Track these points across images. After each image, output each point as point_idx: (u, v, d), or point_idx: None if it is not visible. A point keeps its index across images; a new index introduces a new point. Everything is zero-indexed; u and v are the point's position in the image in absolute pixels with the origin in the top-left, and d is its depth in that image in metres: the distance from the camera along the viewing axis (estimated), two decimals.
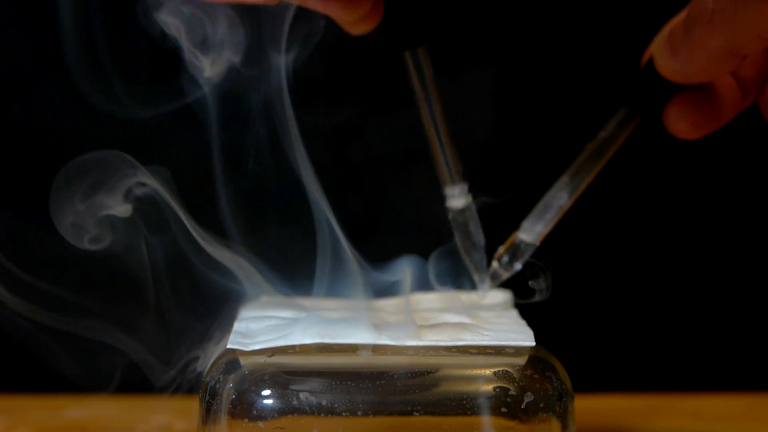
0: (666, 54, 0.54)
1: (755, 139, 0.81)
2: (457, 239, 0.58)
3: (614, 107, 0.59)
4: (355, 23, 0.53)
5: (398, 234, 0.67)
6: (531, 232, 0.59)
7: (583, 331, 0.83)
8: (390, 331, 0.52)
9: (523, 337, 0.52)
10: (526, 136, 0.81)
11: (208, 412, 0.49)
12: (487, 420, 0.48)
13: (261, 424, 0.48)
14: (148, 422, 0.72)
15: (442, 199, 0.83)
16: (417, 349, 0.51)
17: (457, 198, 0.57)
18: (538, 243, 0.59)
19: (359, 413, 0.48)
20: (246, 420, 0.49)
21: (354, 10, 0.52)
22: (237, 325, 0.54)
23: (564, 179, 0.59)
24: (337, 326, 0.52)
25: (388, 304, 0.59)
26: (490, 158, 0.80)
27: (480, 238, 0.58)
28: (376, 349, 0.51)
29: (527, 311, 0.58)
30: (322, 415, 0.48)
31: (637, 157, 0.83)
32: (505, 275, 0.58)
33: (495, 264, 0.58)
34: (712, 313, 0.83)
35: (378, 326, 0.52)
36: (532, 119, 0.81)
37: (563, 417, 0.49)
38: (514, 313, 0.58)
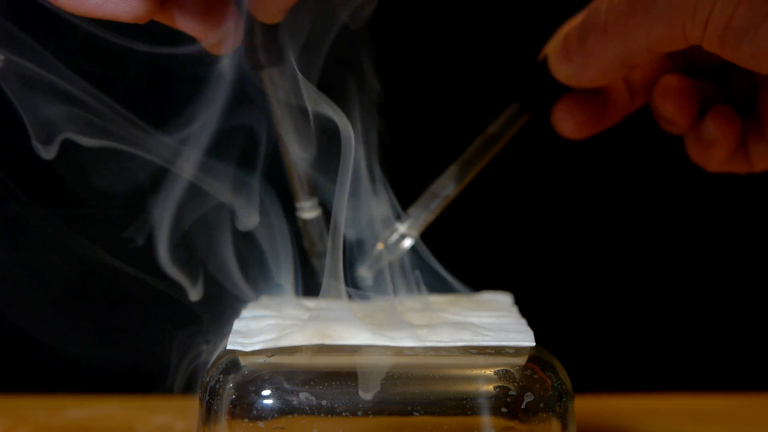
0: (560, 59, 0.56)
1: None
2: (306, 245, 0.59)
3: (506, 103, 0.60)
4: (216, 45, 0.54)
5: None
6: (416, 220, 0.60)
7: (583, 331, 0.83)
8: (390, 332, 0.52)
9: (523, 337, 0.52)
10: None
11: (208, 412, 0.49)
12: (487, 420, 0.48)
13: (261, 424, 0.48)
14: (148, 422, 0.72)
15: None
16: (417, 350, 0.51)
17: (307, 211, 0.58)
18: (421, 231, 0.60)
19: (359, 413, 0.48)
20: (246, 420, 0.49)
21: (212, 32, 0.53)
22: (237, 325, 0.54)
23: (452, 170, 0.60)
24: (336, 327, 0.52)
25: (388, 304, 0.59)
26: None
27: (324, 246, 0.58)
28: (375, 349, 0.51)
29: (527, 311, 0.58)
30: (322, 415, 0.48)
31: (635, 158, 0.83)
32: (386, 260, 0.59)
33: (380, 247, 0.59)
34: (711, 313, 0.83)
35: (378, 327, 0.53)
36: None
37: (563, 417, 0.49)
38: (515, 313, 0.58)
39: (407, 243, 0.59)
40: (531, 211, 0.83)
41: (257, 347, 0.51)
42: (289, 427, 0.48)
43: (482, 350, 0.51)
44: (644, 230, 0.83)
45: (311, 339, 0.51)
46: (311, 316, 0.53)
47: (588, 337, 0.83)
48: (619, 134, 0.82)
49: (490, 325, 0.54)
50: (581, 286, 0.84)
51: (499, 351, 0.51)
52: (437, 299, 0.61)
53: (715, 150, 0.58)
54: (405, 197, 0.61)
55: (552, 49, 0.57)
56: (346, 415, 0.48)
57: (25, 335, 0.82)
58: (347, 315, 0.54)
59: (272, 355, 0.50)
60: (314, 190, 0.59)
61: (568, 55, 0.55)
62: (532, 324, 0.55)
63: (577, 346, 0.81)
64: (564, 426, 0.49)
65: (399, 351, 0.51)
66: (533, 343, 0.52)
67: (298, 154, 0.58)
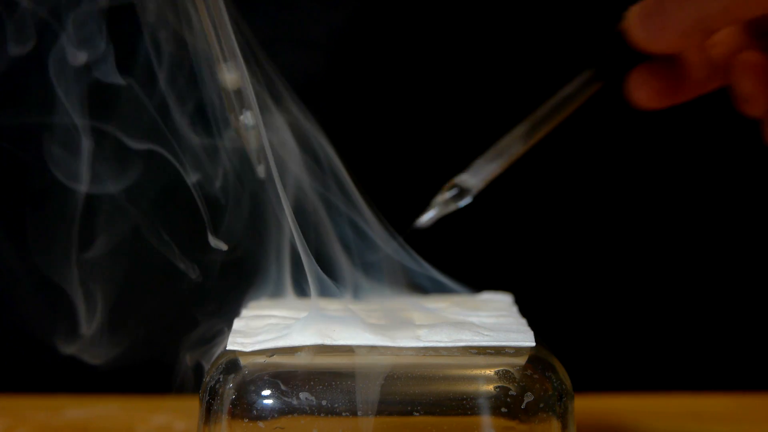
0: (638, 22, 0.55)
1: (755, 139, 0.81)
2: (232, 121, 0.57)
3: (581, 69, 0.60)
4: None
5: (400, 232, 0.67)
6: (478, 173, 0.59)
7: (583, 331, 0.83)
8: (390, 332, 0.52)
9: (523, 337, 0.52)
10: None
11: (208, 412, 0.49)
12: (487, 420, 0.48)
13: (261, 424, 0.48)
14: (148, 422, 0.72)
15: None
16: (417, 350, 0.51)
17: (230, 72, 0.56)
18: (482, 185, 0.59)
19: (359, 413, 0.48)
20: (246, 420, 0.49)
21: None
22: (236, 324, 0.54)
23: (520, 128, 0.59)
24: (336, 327, 0.52)
25: (388, 304, 0.59)
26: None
27: (252, 118, 0.56)
28: (375, 349, 0.51)
29: (527, 311, 0.58)
30: (322, 415, 0.48)
31: (635, 158, 0.83)
32: (444, 211, 0.59)
33: (438, 197, 0.59)
34: (711, 313, 0.83)
35: (378, 327, 0.53)
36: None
37: (563, 417, 0.49)
38: (515, 313, 0.58)
39: (466, 195, 0.59)
40: (531, 211, 0.83)
41: (257, 347, 0.51)
42: (289, 427, 0.48)
43: (482, 350, 0.51)
44: (644, 230, 0.83)
45: (311, 339, 0.51)
46: (311, 316, 0.53)
47: (588, 337, 0.83)
48: (619, 133, 0.82)
49: (490, 325, 0.54)
50: (581, 286, 0.84)
51: (499, 351, 0.51)
52: (437, 299, 0.61)
53: None
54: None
55: (630, 13, 0.56)
56: (346, 415, 0.48)
57: (25, 335, 0.82)
58: (347, 315, 0.54)
59: (272, 355, 0.50)
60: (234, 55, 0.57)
61: (645, 18, 0.54)
62: (532, 324, 0.55)
63: (577, 346, 0.81)
64: (564, 426, 0.49)
65: (399, 351, 0.51)
66: (533, 343, 0.52)
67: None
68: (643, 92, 0.57)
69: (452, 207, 0.59)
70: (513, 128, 0.59)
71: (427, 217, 0.59)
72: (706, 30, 0.53)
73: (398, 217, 0.82)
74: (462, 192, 0.59)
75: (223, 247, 0.58)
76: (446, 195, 0.59)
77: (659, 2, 0.54)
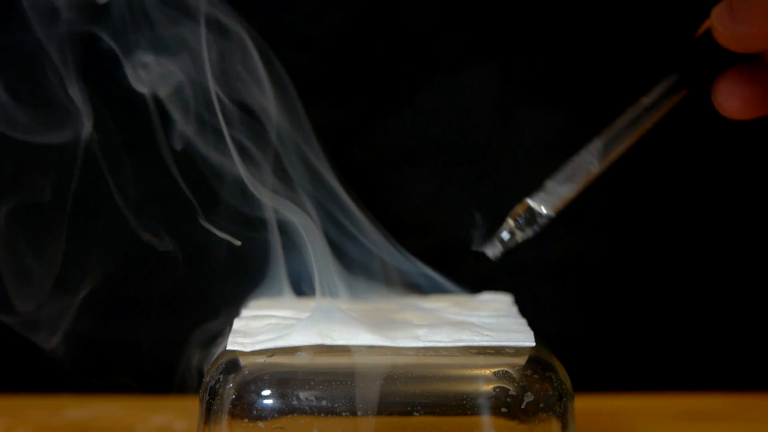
0: (723, 16, 0.50)
1: (754, 140, 0.81)
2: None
3: (663, 75, 0.54)
4: None
5: (399, 234, 0.67)
6: (551, 195, 0.54)
7: (583, 331, 0.83)
8: (389, 332, 0.52)
9: (523, 337, 0.52)
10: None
11: (208, 412, 0.49)
12: (487, 420, 0.48)
13: (261, 424, 0.48)
14: (148, 422, 0.72)
15: (441, 198, 0.83)
16: (417, 350, 0.51)
17: None
18: (560, 208, 0.53)
19: (359, 413, 0.48)
20: (246, 420, 0.49)
21: None
22: (236, 324, 0.54)
23: (597, 143, 0.54)
24: (336, 327, 0.52)
25: (388, 304, 0.59)
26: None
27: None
28: (375, 349, 0.51)
29: (527, 311, 0.58)
30: (322, 415, 0.48)
31: (634, 157, 0.83)
32: (519, 238, 0.54)
33: (510, 223, 0.54)
34: (711, 313, 0.83)
35: (377, 327, 0.53)
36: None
37: (563, 417, 0.49)
38: (515, 313, 0.58)
39: (540, 221, 0.53)
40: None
41: (257, 347, 0.51)
42: (289, 427, 0.48)
43: (482, 350, 0.51)
44: (644, 230, 0.83)
45: (311, 339, 0.51)
46: (311, 316, 0.53)
47: (588, 337, 0.83)
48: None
49: (490, 325, 0.54)
50: (581, 286, 0.84)
51: (499, 351, 0.51)
52: (437, 300, 0.61)
53: None
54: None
55: (715, 10, 0.50)
56: (346, 415, 0.48)
57: (25, 335, 0.82)
58: (347, 315, 0.54)
59: (272, 355, 0.50)
60: None
61: (732, 10, 0.49)
62: (532, 324, 0.55)
63: (577, 346, 0.81)
64: (564, 426, 0.49)
65: (399, 351, 0.51)
66: (533, 343, 0.52)
67: None
68: (735, 100, 0.52)
69: (531, 229, 0.53)
70: (587, 144, 0.54)
71: (496, 251, 0.54)
72: None
73: (398, 217, 0.82)
74: (533, 218, 0.53)
75: (236, 242, 0.57)
76: (515, 222, 0.54)
77: None
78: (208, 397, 0.49)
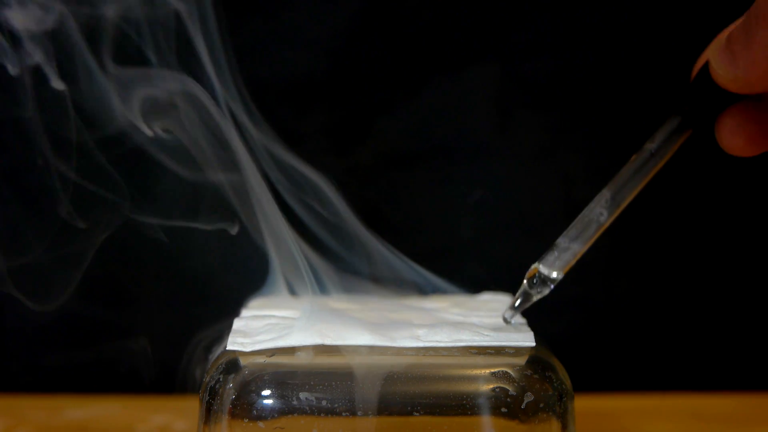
0: (724, 59, 0.49)
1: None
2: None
3: (662, 118, 0.54)
4: None
5: (399, 234, 0.67)
6: (564, 253, 0.54)
7: (583, 331, 0.83)
8: (389, 332, 0.52)
9: (523, 337, 0.52)
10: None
11: (208, 412, 0.49)
12: (487, 420, 0.48)
13: (261, 424, 0.48)
14: (148, 422, 0.72)
15: (441, 198, 0.83)
16: (417, 350, 0.51)
17: None
18: (568, 266, 0.54)
19: (359, 413, 0.48)
20: (246, 420, 0.49)
21: None
22: (236, 324, 0.54)
23: (605, 194, 0.54)
24: (336, 327, 0.52)
25: (388, 304, 0.59)
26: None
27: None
28: (375, 349, 0.51)
29: (527, 311, 0.58)
30: (322, 415, 0.48)
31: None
32: (536, 297, 0.54)
33: (525, 284, 0.54)
34: (711, 313, 0.83)
35: (377, 327, 0.52)
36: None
37: (563, 417, 0.49)
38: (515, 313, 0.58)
39: (552, 280, 0.53)
40: (531, 211, 0.83)
41: (257, 347, 0.51)
42: (289, 427, 0.48)
43: (482, 350, 0.51)
44: (644, 229, 0.83)
45: (311, 339, 0.51)
46: (311, 316, 0.53)
47: (588, 337, 0.83)
48: (616, 129, 0.82)
49: (490, 325, 0.54)
50: (581, 286, 0.83)
51: (499, 351, 0.51)
52: (437, 300, 0.61)
53: None
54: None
55: (713, 50, 0.50)
56: (346, 415, 0.48)
57: (25, 335, 0.82)
58: (347, 315, 0.54)
59: (272, 355, 0.50)
60: None
61: (733, 54, 0.49)
62: (532, 324, 0.55)
63: (577, 346, 0.81)
64: (564, 426, 0.49)
65: (399, 351, 0.51)
66: (533, 343, 0.52)
67: None
68: (739, 138, 0.51)
69: (536, 296, 0.53)
70: (595, 196, 0.54)
71: (512, 315, 0.54)
72: None
73: (398, 217, 0.82)
74: (545, 280, 0.53)
75: (233, 230, 0.57)
76: (528, 287, 0.53)
77: (747, 34, 0.48)
78: (208, 397, 0.49)
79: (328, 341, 0.51)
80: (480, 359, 0.50)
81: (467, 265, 0.82)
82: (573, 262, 0.54)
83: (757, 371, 0.83)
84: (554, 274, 0.53)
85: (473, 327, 0.53)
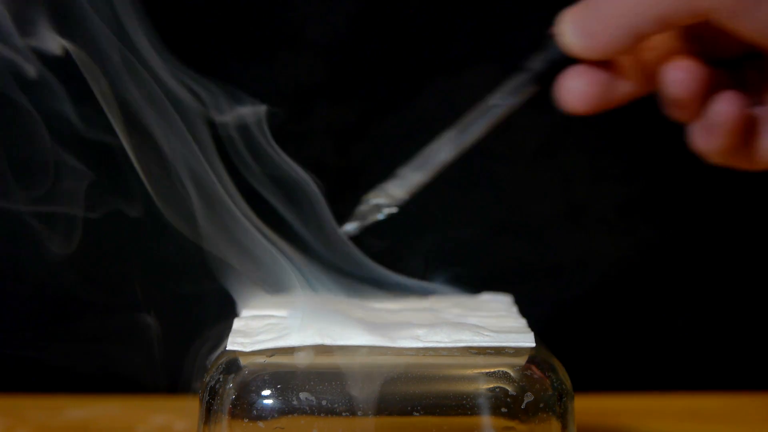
0: (570, 27, 0.55)
1: None
2: None
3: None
4: None
5: (399, 234, 0.67)
6: (404, 180, 0.57)
7: (583, 331, 0.83)
8: (389, 332, 0.52)
9: (523, 337, 0.52)
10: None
11: (208, 412, 0.49)
12: (487, 420, 0.48)
13: (261, 424, 0.48)
14: (148, 422, 0.72)
15: (441, 198, 0.83)
16: (417, 350, 0.51)
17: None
18: (409, 192, 0.57)
19: (359, 413, 0.48)
20: (246, 420, 0.49)
21: None
22: (236, 324, 0.54)
23: (449, 134, 0.58)
24: (336, 327, 0.52)
25: (388, 304, 0.59)
26: None
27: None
28: (375, 349, 0.51)
29: (527, 311, 0.58)
30: (322, 415, 0.48)
31: (634, 155, 0.83)
32: (370, 220, 0.57)
33: (362, 206, 0.57)
34: (711, 313, 0.83)
35: (377, 327, 0.53)
36: None
37: (563, 417, 0.49)
38: (515, 314, 0.58)
39: (392, 204, 0.57)
40: (531, 211, 0.83)
41: (257, 347, 0.51)
42: (289, 427, 0.48)
43: (482, 350, 0.51)
44: (644, 229, 0.83)
45: (311, 339, 0.51)
46: (311, 315, 0.53)
47: (588, 337, 0.83)
48: (616, 129, 0.82)
49: (490, 325, 0.54)
50: (581, 286, 0.84)
51: (499, 351, 0.51)
52: (437, 300, 0.61)
53: (719, 136, 0.57)
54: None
55: (563, 16, 0.55)
56: (346, 415, 0.48)
57: (24, 335, 0.82)
58: (347, 315, 0.54)
59: (272, 355, 0.50)
60: None
61: (579, 23, 0.55)
62: (532, 324, 0.55)
63: (577, 346, 0.81)
64: (564, 426, 0.49)
65: (399, 351, 0.51)
66: (533, 344, 0.52)
67: None
68: (574, 96, 0.56)
69: (376, 216, 0.57)
70: (440, 134, 0.58)
71: (350, 228, 0.57)
72: (638, 37, 0.53)
73: (398, 217, 0.82)
74: (386, 201, 0.57)
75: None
76: (370, 203, 0.57)
77: (592, 8, 0.54)
78: (208, 397, 0.49)
79: (328, 341, 0.51)
80: (480, 359, 0.50)
81: (467, 265, 0.82)
82: (413, 191, 0.57)
83: (756, 371, 0.83)
84: (393, 198, 0.57)
85: (473, 327, 0.53)
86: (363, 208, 0.57)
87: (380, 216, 0.57)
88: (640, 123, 0.80)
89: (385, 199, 0.57)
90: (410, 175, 0.57)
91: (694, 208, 0.82)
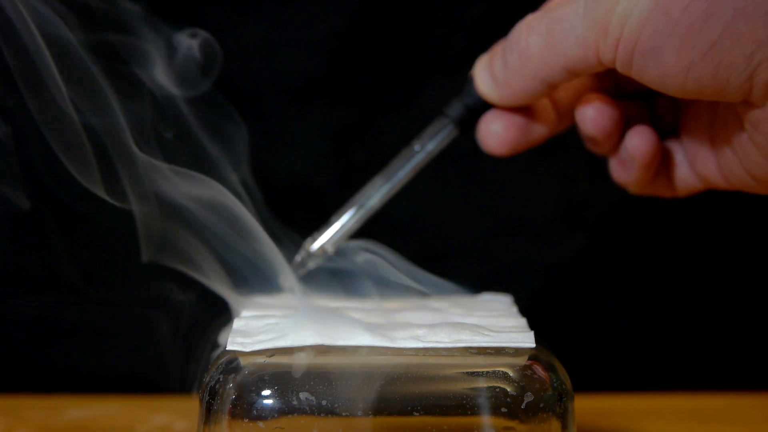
0: (484, 76, 0.58)
1: None
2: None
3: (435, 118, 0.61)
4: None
5: (400, 234, 0.67)
6: (337, 229, 0.60)
7: (583, 331, 0.83)
8: (389, 332, 0.52)
9: (523, 337, 0.52)
10: None
11: (208, 412, 0.49)
12: (487, 420, 0.48)
13: (261, 424, 0.48)
14: (148, 422, 0.72)
15: (441, 198, 0.83)
16: (417, 350, 0.51)
17: None
18: (340, 240, 0.60)
19: (359, 413, 0.48)
20: (246, 420, 0.49)
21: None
22: (236, 324, 0.54)
23: (377, 181, 0.60)
24: (336, 327, 0.52)
25: (388, 304, 0.59)
26: None
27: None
28: (375, 350, 0.51)
29: (527, 311, 0.58)
30: (322, 415, 0.48)
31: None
32: (306, 268, 0.60)
33: (298, 257, 0.60)
34: (711, 312, 0.83)
35: (378, 327, 0.53)
36: None
37: (563, 417, 0.49)
38: (515, 314, 0.58)
39: (325, 252, 0.60)
40: (531, 211, 0.83)
41: (257, 347, 0.51)
42: (289, 427, 0.48)
43: (482, 350, 0.51)
44: (643, 229, 0.83)
45: (311, 339, 0.51)
46: (311, 316, 0.53)
47: (588, 337, 0.83)
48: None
49: (490, 325, 0.54)
50: (581, 286, 0.84)
51: (499, 351, 0.51)
52: (437, 300, 0.61)
53: (635, 170, 0.59)
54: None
55: (478, 66, 0.58)
56: (346, 415, 0.48)
57: (25, 335, 0.82)
58: (347, 315, 0.54)
59: (272, 355, 0.50)
60: None
61: (492, 73, 0.57)
62: (532, 324, 0.55)
63: (577, 346, 0.81)
64: (564, 426, 0.49)
65: (399, 351, 0.51)
66: (533, 344, 0.52)
67: None
68: (492, 140, 0.59)
69: (317, 260, 0.60)
70: (368, 182, 0.60)
71: (294, 274, 0.59)
72: (549, 85, 0.56)
73: (398, 217, 0.82)
74: (318, 253, 0.60)
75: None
76: (299, 259, 0.60)
77: (504, 59, 0.56)
78: (208, 397, 0.49)
79: (328, 341, 0.51)
80: (480, 359, 0.50)
81: (467, 265, 0.82)
82: (344, 239, 0.60)
83: (756, 371, 0.83)
84: (329, 249, 0.60)
85: (473, 327, 0.53)
86: (296, 260, 0.59)
87: (312, 265, 0.60)
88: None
89: (317, 252, 0.60)
90: (340, 223, 0.60)
91: (694, 208, 0.82)
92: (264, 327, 0.53)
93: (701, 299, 0.83)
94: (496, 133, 0.59)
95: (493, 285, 0.64)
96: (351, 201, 0.60)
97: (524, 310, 0.59)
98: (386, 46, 0.81)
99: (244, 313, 0.57)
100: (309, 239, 0.60)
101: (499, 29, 0.76)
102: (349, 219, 0.60)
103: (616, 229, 0.83)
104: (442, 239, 0.82)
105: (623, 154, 0.59)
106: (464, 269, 0.66)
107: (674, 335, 0.83)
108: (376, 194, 0.60)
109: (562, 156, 0.82)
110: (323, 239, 0.59)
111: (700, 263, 0.83)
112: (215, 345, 0.57)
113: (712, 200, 0.82)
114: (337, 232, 0.60)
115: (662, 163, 0.60)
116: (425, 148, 0.60)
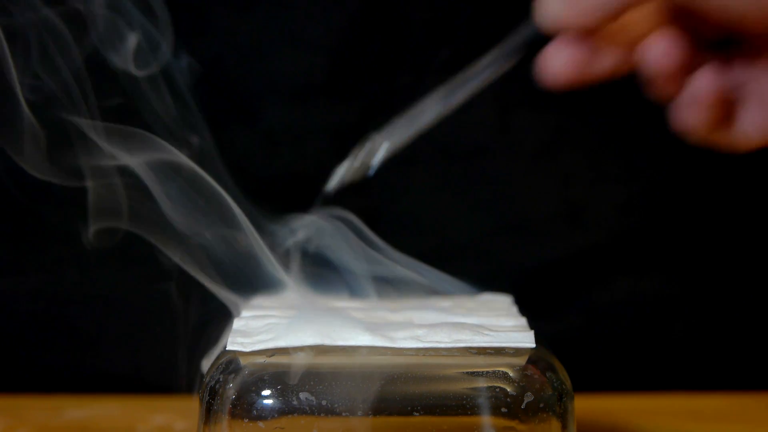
0: (546, 5, 0.55)
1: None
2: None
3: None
4: None
5: (399, 234, 0.67)
6: (391, 136, 0.59)
7: (583, 331, 0.83)
8: (389, 332, 0.52)
9: (523, 337, 0.52)
10: None
11: (208, 412, 0.49)
12: (487, 420, 0.48)
13: (261, 424, 0.48)
14: (148, 422, 0.72)
15: (441, 198, 0.83)
16: (417, 350, 0.51)
17: None
18: (400, 145, 0.58)
19: (359, 413, 0.48)
20: (246, 420, 0.49)
21: None
22: (236, 324, 0.54)
23: (435, 96, 0.59)
24: (336, 327, 0.52)
25: (388, 304, 0.59)
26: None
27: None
28: (375, 350, 0.51)
29: (527, 311, 0.58)
30: (322, 415, 0.48)
31: (634, 154, 0.83)
32: (357, 174, 0.58)
33: (349, 161, 0.58)
34: (711, 313, 0.83)
35: (378, 327, 0.52)
36: None
37: (563, 417, 0.49)
38: (515, 314, 0.58)
39: (376, 157, 0.58)
40: (531, 211, 0.83)
41: (257, 347, 0.51)
42: (289, 427, 0.48)
43: (482, 350, 0.51)
44: (643, 229, 0.83)
45: (311, 339, 0.51)
46: (311, 315, 0.53)
47: (588, 337, 0.83)
48: (616, 129, 0.82)
49: (490, 325, 0.54)
50: (581, 286, 0.84)
51: (499, 351, 0.51)
52: (438, 300, 0.61)
53: (700, 111, 0.57)
54: None
55: None
56: (346, 415, 0.48)
57: (25, 335, 0.82)
58: (347, 315, 0.54)
59: (272, 355, 0.50)
60: None
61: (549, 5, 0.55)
62: (532, 324, 0.55)
63: (577, 346, 0.81)
64: (564, 426, 0.49)
65: (399, 351, 0.51)
66: (533, 344, 0.52)
67: None
68: (556, 69, 0.57)
69: (366, 166, 0.58)
70: (430, 93, 0.59)
71: (339, 176, 0.58)
72: (618, 7, 0.53)
73: (398, 217, 0.82)
74: (375, 151, 0.58)
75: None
76: (361, 153, 0.58)
77: None
78: (208, 397, 0.49)
79: (328, 341, 0.51)
80: (480, 359, 0.50)
81: (467, 265, 0.82)
82: (401, 144, 0.58)
83: (756, 371, 0.83)
84: (385, 146, 0.58)
85: (473, 327, 0.53)
86: (354, 157, 0.58)
87: (369, 167, 0.58)
88: (640, 123, 0.80)
89: (375, 148, 0.58)
90: (393, 131, 0.58)
91: (693, 208, 0.82)
92: (264, 327, 0.53)
93: (701, 299, 0.83)
94: (559, 62, 0.56)
95: (493, 285, 0.64)
96: (406, 113, 0.59)
97: (524, 310, 0.59)
98: (386, 46, 0.81)
99: (244, 313, 0.57)
100: (358, 148, 0.58)
101: (499, 29, 0.76)
102: (401, 128, 0.58)
103: (616, 229, 0.83)
104: (442, 239, 0.82)
105: (690, 93, 0.56)
106: (464, 269, 0.66)
107: (674, 335, 0.83)
108: (431, 109, 0.58)
109: (562, 156, 0.82)
110: (372, 150, 0.58)
111: (700, 263, 0.83)
112: (215, 345, 0.57)
113: (712, 200, 0.82)
114: (386, 145, 0.58)
115: (727, 110, 0.57)
116: (482, 74, 0.59)
